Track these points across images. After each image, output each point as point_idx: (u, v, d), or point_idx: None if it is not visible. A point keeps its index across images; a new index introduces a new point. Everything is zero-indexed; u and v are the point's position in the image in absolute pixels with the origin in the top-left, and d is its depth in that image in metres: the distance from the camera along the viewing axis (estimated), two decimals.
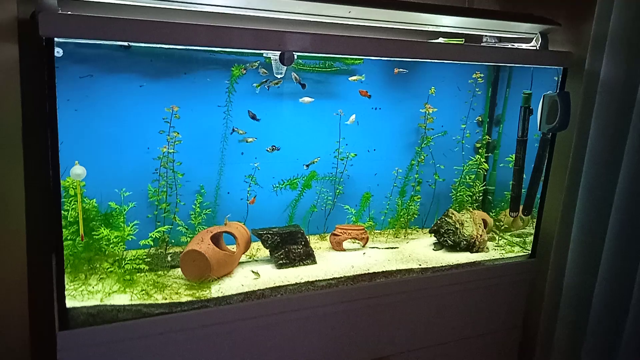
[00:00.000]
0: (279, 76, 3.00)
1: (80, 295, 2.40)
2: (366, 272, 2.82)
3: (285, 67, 2.91)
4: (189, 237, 3.01)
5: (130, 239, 2.69)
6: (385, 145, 3.59)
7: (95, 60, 2.75)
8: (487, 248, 3.20)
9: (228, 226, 2.93)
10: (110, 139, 2.85)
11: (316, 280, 2.78)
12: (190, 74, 2.97)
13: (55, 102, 2.08)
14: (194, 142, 3.04)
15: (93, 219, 2.62)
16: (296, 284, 2.74)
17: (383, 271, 2.84)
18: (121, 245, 2.53)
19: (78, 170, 2.28)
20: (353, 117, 3.22)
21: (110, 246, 2.49)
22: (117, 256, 2.59)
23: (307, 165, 3.29)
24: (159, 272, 2.73)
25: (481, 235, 3.21)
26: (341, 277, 2.75)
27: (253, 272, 2.82)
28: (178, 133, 2.90)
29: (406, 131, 3.62)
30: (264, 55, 2.89)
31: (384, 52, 2.49)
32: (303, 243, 2.90)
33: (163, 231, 2.78)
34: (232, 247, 2.91)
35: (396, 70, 3.41)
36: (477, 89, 3.65)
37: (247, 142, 3.13)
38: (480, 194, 3.56)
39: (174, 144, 2.90)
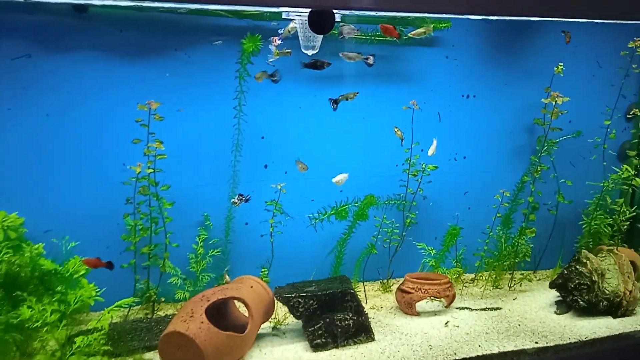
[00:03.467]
0: (309, 52, 1.91)
1: None
2: (452, 356, 2.00)
3: (321, 37, 1.83)
4: (188, 290, 2.13)
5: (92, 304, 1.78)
6: (480, 152, 2.58)
7: (36, 31, 1.86)
8: (638, 309, 2.36)
9: (236, 286, 1.91)
10: (62, 150, 2.01)
11: None
12: (182, 49, 1.97)
13: None
14: (192, 151, 2.16)
15: (28, 282, 1.70)
16: None
17: (478, 356, 2.01)
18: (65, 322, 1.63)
19: None
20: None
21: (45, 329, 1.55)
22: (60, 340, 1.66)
23: (336, 102, 2.03)
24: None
25: (630, 292, 2.33)
26: None
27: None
28: (161, 142, 1.89)
29: (514, 130, 2.60)
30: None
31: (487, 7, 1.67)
32: (353, 309, 1.90)
33: (128, 304, 1.78)
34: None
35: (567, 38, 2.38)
36: (633, 66, 2.50)
37: (400, 138, 2.26)
38: (628, 223, 2.60)
39: (154, 158, 1.90)
